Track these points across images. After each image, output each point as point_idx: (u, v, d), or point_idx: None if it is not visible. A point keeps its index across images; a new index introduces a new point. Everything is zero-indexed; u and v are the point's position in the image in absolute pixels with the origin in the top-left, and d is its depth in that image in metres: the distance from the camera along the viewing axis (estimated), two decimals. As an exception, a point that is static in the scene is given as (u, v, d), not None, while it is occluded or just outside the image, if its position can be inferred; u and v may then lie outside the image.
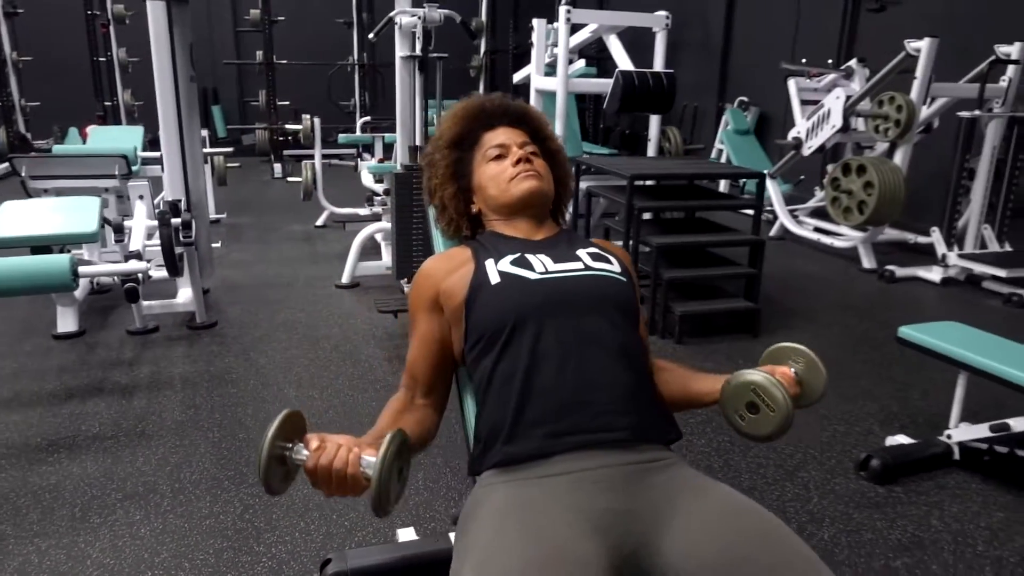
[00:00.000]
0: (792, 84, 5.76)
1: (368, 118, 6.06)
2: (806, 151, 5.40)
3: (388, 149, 5.69)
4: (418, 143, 3.63)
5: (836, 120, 5.08)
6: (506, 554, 0.99)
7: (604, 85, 4.52)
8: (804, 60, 6.10)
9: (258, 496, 2.23)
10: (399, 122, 4.00)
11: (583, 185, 4.38)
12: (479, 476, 1.18)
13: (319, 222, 5.94)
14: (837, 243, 5.29)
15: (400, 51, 3.80)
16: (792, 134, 5.52)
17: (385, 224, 4.56)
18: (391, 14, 3.47)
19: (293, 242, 5.52)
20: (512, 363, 1.16)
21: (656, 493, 1.09)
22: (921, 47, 4.51)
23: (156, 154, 4.82)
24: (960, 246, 4.74)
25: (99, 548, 1.98)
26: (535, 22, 4.86)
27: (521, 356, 1.15)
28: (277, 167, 8.44)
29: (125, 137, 5.49)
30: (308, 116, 5.75)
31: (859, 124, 5.30)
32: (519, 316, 1.18)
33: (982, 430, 2.37)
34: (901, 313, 4.26)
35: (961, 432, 2.46)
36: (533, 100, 4.91)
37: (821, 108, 5.26)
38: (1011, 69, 4.61)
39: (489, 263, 1.26)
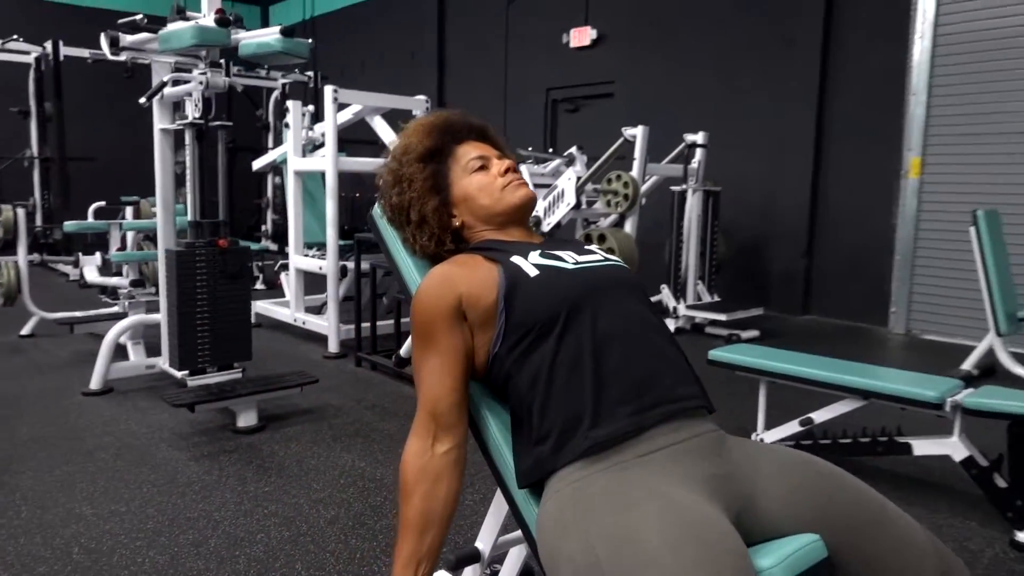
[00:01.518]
0: (524, 169, 6.34)
1: (103, 203, 5.31)
2: (546, 227, 5.92)
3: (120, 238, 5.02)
4: (199, 219, 3.30)
5: (570, 199, 5.67)
6: (649, 529, 0.95)
7: (375, 163, 4.56)
8: (530, 148, 6.77)
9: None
10: (160, 201, 3.61)
11: (365, 264, 4.32)
12: (554, 474, 1.11)
13: (25, 331, 4.97)
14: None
15: (160, 123, 3.46)
16: (532, 214, 6.02)
17: (141, 318, 3.99)
18: (166, 78, 3.17)
19: (-3, 355, 4.54)
20: (575, 349, 1.13)
21: (735, 456, 1.13)
22: (637, 133, 5.30)
23: None
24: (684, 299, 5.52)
25: None
26: (290, 103, 4.79)
27: (584, 341, 1.14)
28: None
29: None
30: (10, 207, 4.87)
31: (583, 201, 5.95)
32: (572, 303, 1.16)
33: (792, 427, 2.77)
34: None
35: (771, 433, 2.84)
36: (291, 182, 4.77)
37: (555, 189, 5.84)
38: (699, 152, 5.61)
39: (517, 259, 1.23)
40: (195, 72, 3.01)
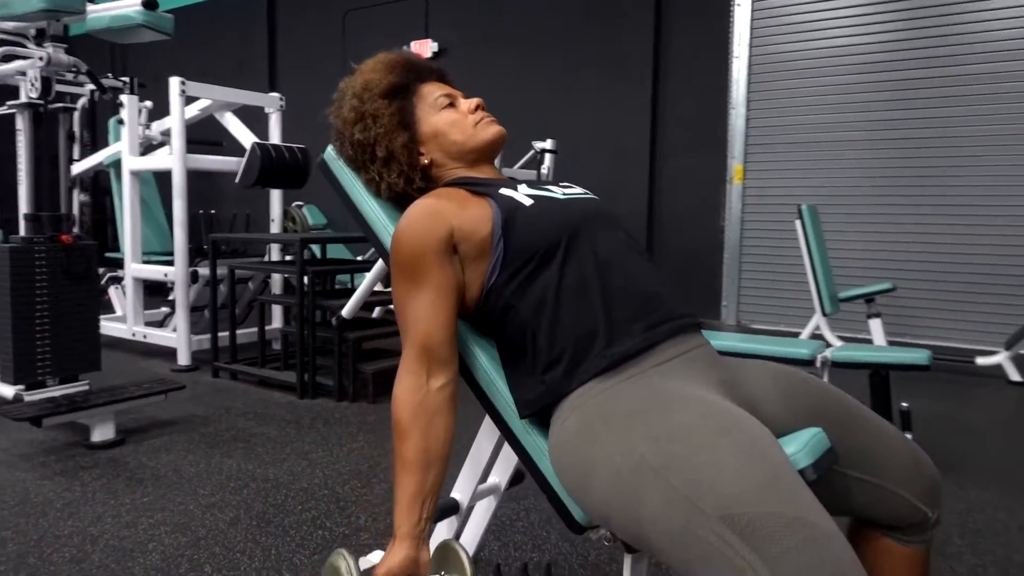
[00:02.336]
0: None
1: None
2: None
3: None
4: (37, 211, 2.92)
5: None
6: (690, 424, 0.97)
7: (225, 163, 4.29)
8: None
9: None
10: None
11: (221, 270, 4.03)
12: (567, 397, 1.10)
13: None
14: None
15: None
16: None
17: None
18: (-3, 52, 2.79)
19: None
20: (579, 273, 1.14)
21: (731, 366, 1.19)
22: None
23: None
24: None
25: None
26: (124, 98, 4.39)
27: (587, 265, 1.14)
28: None
29: None
30: None
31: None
32: (571, 229, 1.17)
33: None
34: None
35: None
36: (127, 184, 4.36)
37: (408, 195, 5.81)
38: (548, 158, 5.81)
39: (506, 191, 1.22)
40: (40, 46, 2.68)
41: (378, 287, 6.52)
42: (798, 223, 4.49)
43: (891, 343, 4.63)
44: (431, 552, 1.12)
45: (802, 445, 1.04)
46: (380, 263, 3.48)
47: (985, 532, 2.18)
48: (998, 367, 4.30)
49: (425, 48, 7.64)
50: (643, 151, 6.46)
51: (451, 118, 1.33)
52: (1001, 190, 5.10)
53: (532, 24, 7.01)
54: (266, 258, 4.61)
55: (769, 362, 1.27)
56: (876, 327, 4.51)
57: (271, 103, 4.49)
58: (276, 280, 4.58)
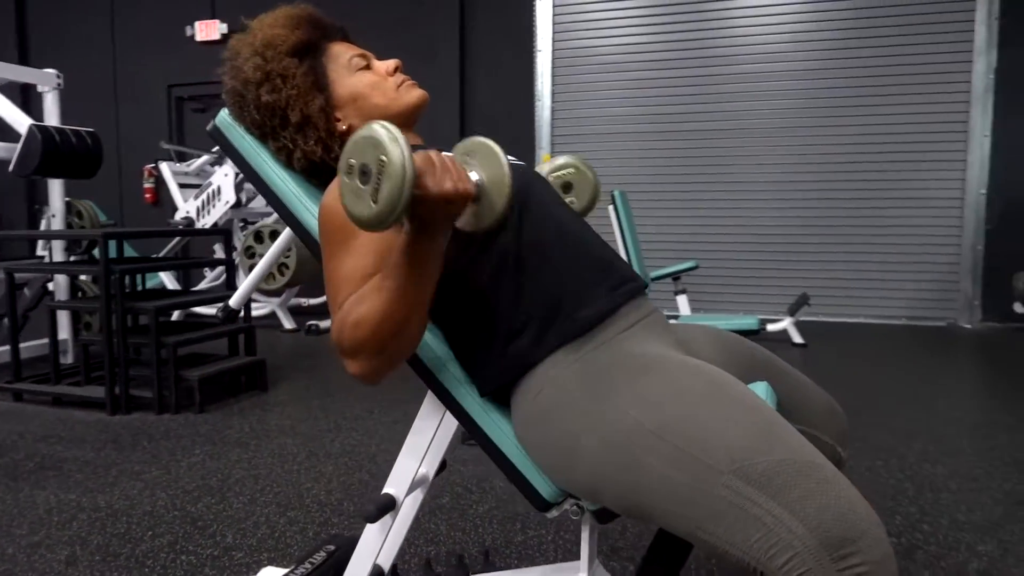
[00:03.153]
0: (165, 167, 5.65)
1: None
2: (201, 226, 5.38)
3: None
4: None
5: (229, 196, 5.26)
6: (678, 384, 0.97)
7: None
8: (164, 143, 6.06)
9: None
10: None
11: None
12: (535, 368, 1.05)
13: None
14: (256, 312, 5.42)
15: None
16: (180, 215, 5.43)
17: None
18: None
19: None
20: (537, 238, 1.10)
21: (676, 327, 1.21)
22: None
23: None
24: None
25: None
26: None
27: (544, 229, 1.11)
28: None
29: None
30: None
31: (243, 199, 5.56)
32: (523, 193, 1.13)
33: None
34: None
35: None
36: None
37: (208, 188, 5.35)
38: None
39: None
40: None
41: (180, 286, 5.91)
42: (611, 208, 4.74)
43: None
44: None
45: (764, 395, 1.08)
46: (280, 241, 3.23)
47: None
48: (784, 332, 4.85)
49: (212, 29, 7.08)
50: (454, 139, 6.47)
51: (370, 80, 1.22)
52: (778, 177, 5.76)
53: (335, 5, 6.73)
54: (47, 259, 4.00)
55: (698, 324, 1.31)
56: (683, 302, 4.89)
57: (46, 80, 3.89)
58: (61, 284, 4.00)
